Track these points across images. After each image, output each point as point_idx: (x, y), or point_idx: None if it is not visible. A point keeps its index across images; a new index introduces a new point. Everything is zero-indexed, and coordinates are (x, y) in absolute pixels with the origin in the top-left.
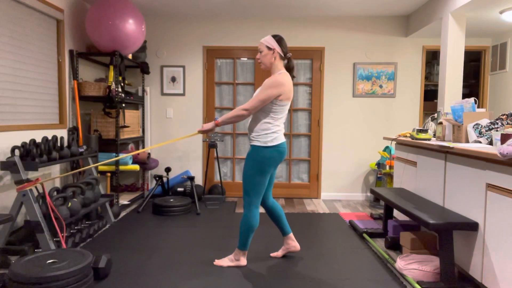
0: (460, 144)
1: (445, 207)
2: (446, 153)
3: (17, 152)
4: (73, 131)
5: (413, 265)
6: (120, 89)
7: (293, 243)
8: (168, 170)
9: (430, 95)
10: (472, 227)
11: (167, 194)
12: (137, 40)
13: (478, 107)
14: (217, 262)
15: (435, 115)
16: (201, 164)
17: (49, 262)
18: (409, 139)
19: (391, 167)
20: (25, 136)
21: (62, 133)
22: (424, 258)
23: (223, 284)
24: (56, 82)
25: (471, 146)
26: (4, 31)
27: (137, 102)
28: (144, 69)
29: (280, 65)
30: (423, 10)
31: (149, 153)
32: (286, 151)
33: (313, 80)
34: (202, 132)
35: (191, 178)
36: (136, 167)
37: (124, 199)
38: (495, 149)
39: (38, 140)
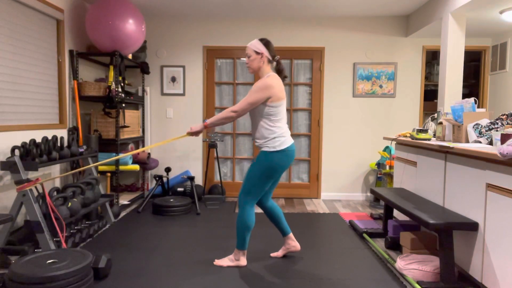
0: (460, 144)
1: (445, 207)
2: (446, 153)
3: (17, 152)
4: (73, 131)
5: (413, 265)
6: (120, 89)
7: (293, 243)
8: (168, 170)
9: (430, 95)
10: (472, 227)
11: (167, 194)
12: (137, 40)
13: (478, 107)
14: (217, 262)
15: (435, 115)
16: (201, 164)
17: (49, 262)
18: (409, 139)
19: (391, 167)
20: (25, 136)
21: (62, 133)
22: (424, 258)
23: (223, 284)
24: (56, 82)
25: (471, 146)
26: (4, 31)
27: (137, 102)
28: (144, 69)
29: (268, 68)
30: (423, 10)
31: (149, 153)
32: (294, 154)
33: (313, 80)
34: (191, 134)
35: (191, 178)
36: (136, 167)
37: (124, 199)
38: (495, 149)
39: (38, 140)
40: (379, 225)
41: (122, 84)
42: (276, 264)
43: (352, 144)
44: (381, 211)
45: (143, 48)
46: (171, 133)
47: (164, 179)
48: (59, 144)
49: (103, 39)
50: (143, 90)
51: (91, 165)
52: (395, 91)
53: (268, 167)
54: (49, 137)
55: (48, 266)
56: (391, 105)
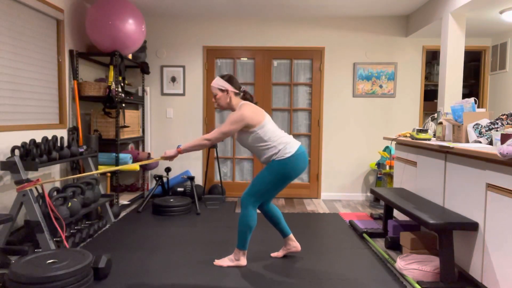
0: (460, 144)
1: (445, 207)
2: (446, 153)
3: (17, 152)
4: (73, 131)
5: (413, 265)
6: (120, 89)
7: (294, 244)
8: (168, 170)
9: (430, 95)
10: (472, 227)
11: (167, 194)
12: (137, 40)
13: (478, 107)
14: (217, 262)
15: (435, 115)
16: (201, 164)
17: (49, 262)
18: (409, 139)
19: (391, 167)
20: (25, 136)
21: (62, 133)
22: (424, 258)
23: (223, 284)
24: (56, 82)
25: (471, 146)
26: (4, 31)
27: (137, 102)
28: (144, 69)
29: (237, 100)
30: (423, 10)
31: (149, 153)
32: (306, 155)
33: (313, 80)
34: (165, 158)
35: (191, 178)
36: (136, 167)
37: (124, 199)
38: (495, 149)
39: (38, 140)
40: (379, 225)
41: (122, 84)
42: (276, 264)
43: (352, 144)
44: (381, 211)
45: (143, 48)
46: (171, 133)
47: (164, 179)
48: (59, 144)
49: (103, 39)
50: (143, 90)
51: (94, 172)
52: (395, 91)
53: (282, 175)
54: (49, 137)
55: (48, 266)
56: (391, 105)
